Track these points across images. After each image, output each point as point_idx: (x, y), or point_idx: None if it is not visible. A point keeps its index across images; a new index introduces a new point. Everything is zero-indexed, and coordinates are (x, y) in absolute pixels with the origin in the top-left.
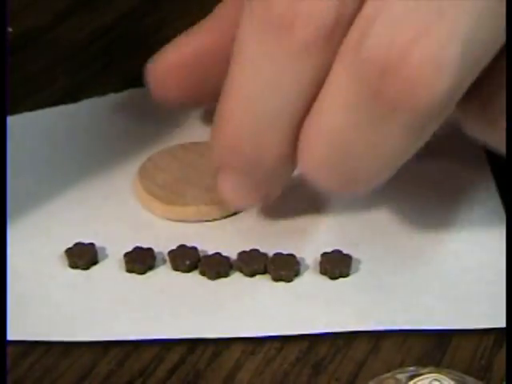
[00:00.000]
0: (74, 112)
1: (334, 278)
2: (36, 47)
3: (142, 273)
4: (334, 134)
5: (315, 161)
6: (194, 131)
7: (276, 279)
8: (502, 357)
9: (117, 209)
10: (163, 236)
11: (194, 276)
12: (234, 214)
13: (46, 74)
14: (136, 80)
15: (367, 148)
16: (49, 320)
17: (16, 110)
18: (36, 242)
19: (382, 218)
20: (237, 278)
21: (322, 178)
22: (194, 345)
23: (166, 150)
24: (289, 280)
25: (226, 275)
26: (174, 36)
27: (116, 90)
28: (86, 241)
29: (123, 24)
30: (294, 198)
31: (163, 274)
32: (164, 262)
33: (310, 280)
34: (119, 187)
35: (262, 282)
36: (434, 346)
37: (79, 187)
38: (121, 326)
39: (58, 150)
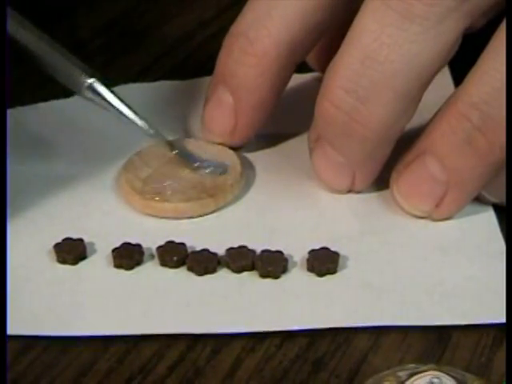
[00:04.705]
0: (65, 107)
1: (321, 274)
2: None
3: (130, 268)
4: None
5: None
6: (188, 128)
7: (263, 276)
8: (501, 354)
9: (106, 204)
10: (151, 232)
11: (182, 272)
12: (213, 212)
13: None
14: (136, 77)
15: None
16: (36, 315)
17: (15, 107)
18: (25, 237)
19: (369, 216)
20: (224, 274)
21: None
22: (193, 342)
23: (155, 145)
24: (276, 276)
25: (214, 271)
26: (174, 33)
27: None
28: (75, 236)
29: (123, 21)
30: (283, 195)
31: (151, 269)
32: (152, 257)
33: (298, 277)
34: (109, 182)
35: (250, 278)
36: (434, 343)
37: (69, 182)
38: (108, 320)
39: (46, 145)
